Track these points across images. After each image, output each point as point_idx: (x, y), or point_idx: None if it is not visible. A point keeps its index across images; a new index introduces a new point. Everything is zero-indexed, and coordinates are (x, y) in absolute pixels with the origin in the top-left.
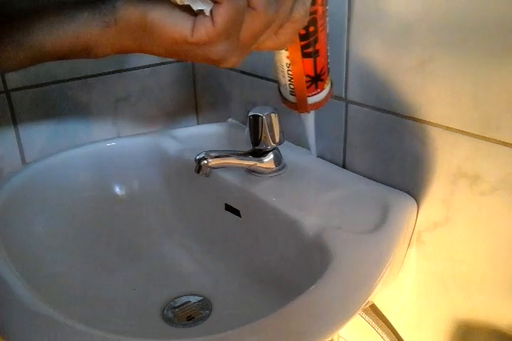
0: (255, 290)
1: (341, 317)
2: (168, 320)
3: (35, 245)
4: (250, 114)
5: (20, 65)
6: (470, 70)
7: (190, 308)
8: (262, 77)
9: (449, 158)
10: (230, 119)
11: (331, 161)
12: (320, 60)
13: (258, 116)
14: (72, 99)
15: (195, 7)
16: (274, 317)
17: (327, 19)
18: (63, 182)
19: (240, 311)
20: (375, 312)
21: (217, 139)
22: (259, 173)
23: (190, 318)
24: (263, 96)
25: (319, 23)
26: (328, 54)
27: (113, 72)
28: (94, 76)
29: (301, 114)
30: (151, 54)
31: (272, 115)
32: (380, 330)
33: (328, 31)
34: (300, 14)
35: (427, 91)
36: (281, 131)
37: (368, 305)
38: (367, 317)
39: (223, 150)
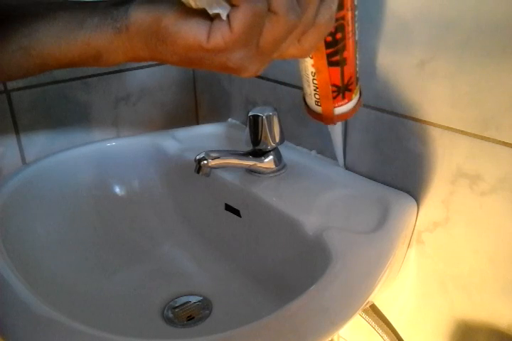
0: (255, 290)
1: (341, 317)
2: (168, 320)
3: (35, 245)
4: (250, 114)
5: (28, 72)
6: (470, 70)
7: (190, 308)
8: (262, 77)
9: (449, 158)
10: (230, 119)
11: (331, 161)
12: (348, 69)
13: (258, 116)
14: (72, 99)
15: (211, 11)
16: (274, 317)
17: (356, 25)
18: (63, 182)
19: (240, 311)
20: (375, 312)
21: (217, 139)
22: (259, 173)
23: (190, 318)
24: (263, 96)
25: (347, 29)
26: (358, 62)
27: (113, 72)
28: (94, 76)
29: (328, 125)
30: (165, 62)
31: (272, 115)
32: (380, 330)
33: (357, 38)
34: (325, 19)
35: (427, 91)
36: (281, 131)
37: (368, 305)
38: (367, 317)
39: (223, 150)
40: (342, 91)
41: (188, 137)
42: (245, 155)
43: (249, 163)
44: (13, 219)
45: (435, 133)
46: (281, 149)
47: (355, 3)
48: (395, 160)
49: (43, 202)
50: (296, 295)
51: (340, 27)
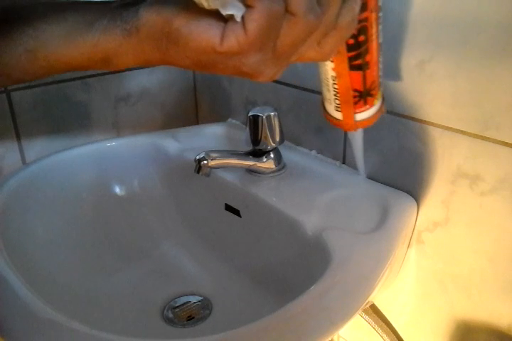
0: (255, 290)
1: (341, 317)
2: (168, 320)
3: (35, 245)
4: (250, 114)
5: (35, 75)
6: (470, 70)
7: (190, 308)
8: None
9: (448, 158)
10: (230, 119)
11: (331, 161)
12: (370, 73)
13: (258, 116)
14: (72, 99)
15: (225, 12)
16: (274, 317)
17: (380, 27)
18: (63, 182)
19: (240, 311)
20: (375, 312)
21: (217, 139)
22: (259, 173)
23: (190, 318)
24: (263, 96)
25: (370, 31)
26: (381, 66)
27: (113, 72)
28: (94, 76)
29: (348, 132)
30: (177, 66)
31: (272, 115)
32: (380, 330)
33: (381, 40)
34: (347, 21)
35: (427, 91)
36: (281, 131)
37: (368, 305)
38: (367, 317)
39: (223, 150)
40: (364, 96)
41: (188, 137)
42: (245, 155)
43: (249, 163)
44: (13, 219)
45: (435, 133)
46: (281, 149)
47: (379, 4)
48: (394, 160)
49: (43, 202)
50: (296, 295)
51: (363, 29)
